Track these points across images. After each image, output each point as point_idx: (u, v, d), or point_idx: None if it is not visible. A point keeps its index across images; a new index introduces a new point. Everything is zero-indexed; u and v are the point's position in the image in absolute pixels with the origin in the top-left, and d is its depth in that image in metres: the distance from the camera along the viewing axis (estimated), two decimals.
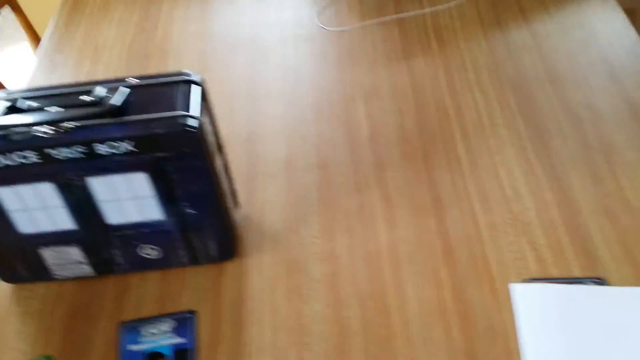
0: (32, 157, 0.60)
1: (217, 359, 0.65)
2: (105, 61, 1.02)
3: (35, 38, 1.32)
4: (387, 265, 0.71)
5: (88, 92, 0.62)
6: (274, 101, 0.92)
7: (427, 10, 1.03)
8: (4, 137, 0.60)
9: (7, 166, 0.61)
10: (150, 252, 0.71)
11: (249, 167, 0.83)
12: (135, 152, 0.61)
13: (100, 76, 0.99)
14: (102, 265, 0.72)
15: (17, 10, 1.29)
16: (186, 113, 0.60)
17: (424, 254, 0.71)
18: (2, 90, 0.64)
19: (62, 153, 0.60)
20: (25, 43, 2.21)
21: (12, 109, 0.62)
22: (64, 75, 1.01)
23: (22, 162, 0.61)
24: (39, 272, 0.72)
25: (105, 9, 1.13)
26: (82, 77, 1.00)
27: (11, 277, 0.73)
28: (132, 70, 0.99)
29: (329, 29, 1.02)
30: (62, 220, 0.67)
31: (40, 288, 0.73)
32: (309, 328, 0.66)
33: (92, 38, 1.07)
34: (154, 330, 0.69)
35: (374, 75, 0.93)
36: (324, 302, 0.68)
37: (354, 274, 0.70)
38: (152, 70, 0.99)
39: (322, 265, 0.72)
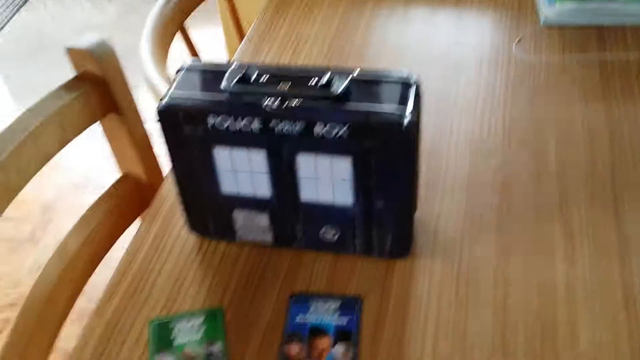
0: (255, 125, 0.66)
1: (378, 347, 0.68)
2: (305, 56, 1.09)
3: (238, 26, 1.43)
4: (562, 300, 0.70)
5: (315, 77, 0.67)
6: (462, 118, 0.93)
7: (633, 55, 1.00)
8: (236, 102, 0.66)
9: (231, 129, 0.67)
10: (329, 234, 0.75)
11: (429, 177, 0.85)
12: (347, 137, 0.65)
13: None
14: (283, 237, 0.77)
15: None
16: (403, 110, 0.64)
17: (602, 296, 0.70)
18: (236, 63, 0.70)
19: (283, 126, 0.65)
20: (215, 29, 2.39)
21: (245, 80, 0.68)
22: (266, 62, 1.08)
23: (244, 129, 0.67)
24: (226, 231, 0.78)
25: (310, 8, 1.20)
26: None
27: (200, 230, 0.80)
28: (331, 64, 1.05)
29: (526, 57, 1.03)
30: (262, 187, 0.72)
31: (222, 246, 0.80)
32: (472, 342, 0.67)
33: (295, 33, 1.14)
34: (321, 307, 0.72)
35: (568, 111, 0.92)
36: (490, 320, 0.69)
37: (525, 301, 0.70)
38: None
39: (493, 285, 0.72)
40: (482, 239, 0.77)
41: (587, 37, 1.06)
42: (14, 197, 0.73)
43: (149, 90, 1.03)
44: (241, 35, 1.41)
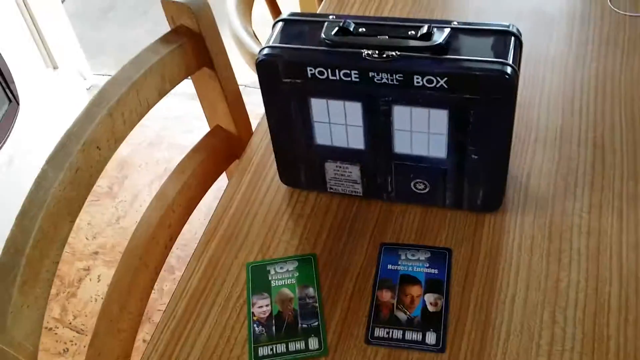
0: (354, 76, 0.67)
1: (468, 297, 0.69)
2: (390, 8, 1.08)
3: None
4: None
5: (414, 28, 0.67)
6: (555, 73, 0.92)
7: None
8: (335, 53, 0.68)
9: (329, 80, 0.68)
10: (420, 186, 0.76)
11: (520, 130, 0.84)
12: (446, 89, 0.65)
13: None
14: (373, 190, 0.79)
15: None
16: (504, 61, 0.63)
17: None
18: (334, 14, 0.71)
19: (381, 78, 0.66)
20: None
21: (343, 31, 0.69)
22: (352, 13, 1.08)
23: (343, 79, 0.68)
24: (317, 183, 0.80)
25: None
26: None
27: (291, 181, 0.82)
28: (415, 16, 1.04)
29: (622, 12, 0.99)
30: (356, 139, 0.74)
31: (312, 196, 0.82)
32: (564, 294, 0.68)
33: None
34: (411, 257, 0.74)
35: None
36: (583, 273, 0.69)
37: (619, 255, 0.70)
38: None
39: (587, 239, 0.72)
40: (574, 194, 0.76)
41: None
42: (120, 143, 0.77)
43: (235, 42, 1.05)
44: None
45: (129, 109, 0.78)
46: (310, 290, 0.72)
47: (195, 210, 0.91)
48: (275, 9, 1.28)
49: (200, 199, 0.93)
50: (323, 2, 1.12)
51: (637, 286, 0.67)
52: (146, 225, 0.82)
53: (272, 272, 0.74)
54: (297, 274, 0.74)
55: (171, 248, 0.86)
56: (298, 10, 2.22)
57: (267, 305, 0.71)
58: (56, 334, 1.63)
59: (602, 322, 0.65)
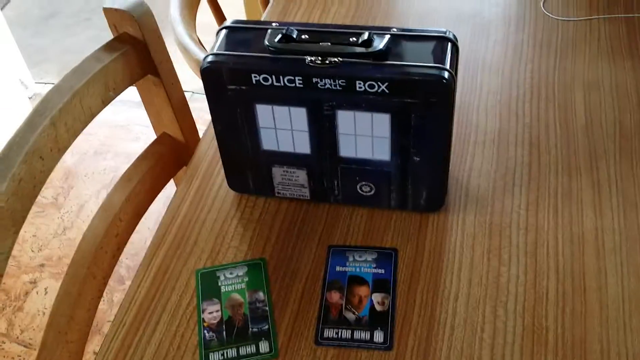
0: (298, 82, 0.68)
1: (414, 295, 0.71)
2: (333, 15, 1.10)
3: None
4: (590, 250, 0.73)
5: (355, 34, 0.69)
6: (491, 76, 0.95)
7: None
8: (278, 60, 0.69)
9: (274, 86, 0.70)
10: (366, 189, 0.78)
11: (461, 132, 0.87)
12: (387, 94, 0.67)
13: None
14: (320, 193, 0.80)
15: None
16: (441, 66, 0.66)
17: (630, 246, 0.73)
18: (277, 21, 0.72)
19: (325, 84, 0.68)
20: None
21: (287, 38, 0.70)
22: (296, 19, 1.10)
23: (287, 85, 0.69)
24: (265, 188, 0.81)
25: None
26: None
27: (239, 187, 0.83)
28: (359, 22, 1.06)
29: (554, 16, 1.04)
30: (302, 144, 0.75)
31: (260, 201, 0.83)
32: (505, 288, 0.70)
33: None
34: (359, 258, 0.76)
35: (595, 68, 0.94)
36: (522, 268, 0.72)
37: (555, 250, 0.73)
38: None
39: (525, 235, 0.75)
40: (512, 193, 0.80)
41: None
42: (63, 153, 0.76)
43: (180, 49, 1.05)
44: None
45: (72, 117, 0.77)
46: (260, 295, 0.73)
47: (144, 218, 0.91)
48: (219, 16, 1.28)
49: (148, 207, 0.92)
50: (267, 9, 1.13)
51: (573, 279, 0.71)
52: (93, 235, 0.82)
53: (222, 277, 0.74)
54: (247, 278, 0.74)
55: (119, 257, 0.86)
56: (243, 17, 2.23)
57: (217, 311, 0.71)
58: (3, 349, 1.58)
59: (540, 314, 0.68)
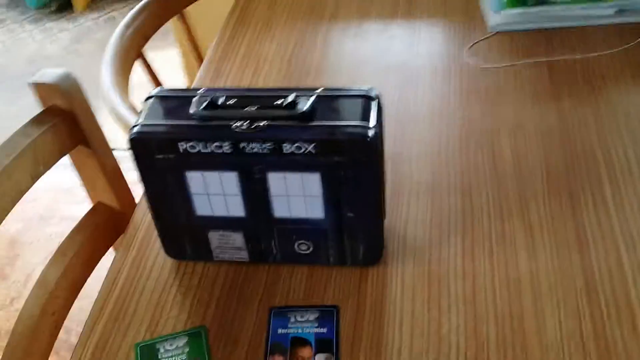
0: (225, 147, 0.69)
1: (357, 353, 0.70)
2: (265, 73, 1.12)
3: (195, 47, 1.45)
4: (527, 292, 0.74)
5: (280, 97, 0.70)
6: (422, 125, 0.97)
7: (578, 56, 1.06)
8: (205, 127, 0.69)
9: (202, 153, 0.70)
10: (303, 247, 0.78)
11: (394, 184, 0.88)
12: (315, 154, 0.68)
13: (260, 87, 1.09)
14: (258, 254, 0.80)
15: (183, 20, 1.42)
16: (366, 124, 0.67)
17: (565, 286, 0.74)
18: (203, 88, 0.73)
19: (252, 147, 0.68)
20: (170, 51, 2.40)
21: (212, 105, 0.70)
22: (227, 83, 1.11)
23: (215, 151, 0.69)
24: (202, 253, 0.80)
25: (268, 27, 1.23)
26: (244, 86, 1.09)
27: (177, 254, 0.82)
28: (290, 84, 1.08)
29: (478, 64, 1.08)
30: (235, 207, 0.75)
31: (199, 267, 0.82)
32: (446, 338, 0.71)
33: (254, 52, 1.17)
34: (300, 319, 0.75)
35: (520, 113, 0.97)
36: (462, 316, 0.72)
37: (493, 295, 0.74)
38: (309, 85, 1.07)
39: (462, 282, 0.76)
40: (448, 240, 0.81)
41: (535, 41, 1.12)
42: None
43: (113, 117, 1.05)
44: (199, 56, 1.43)
45: (0, 195, 0.76)
46: None
47: (93, 280, 0.89)
48: (154, 78, 1.28)
49: (87, 278, 0.90)
50: (200, 72, 1.14)
51: (512, 323, 0.71)
52: (28, 315, 0.79)
53: (162, 350, 0.73)
54: (188, 349, 0.73)
55: (57, 335, 0.83)
56: (181, 73, 2.24)
57: None
58: None
59: None
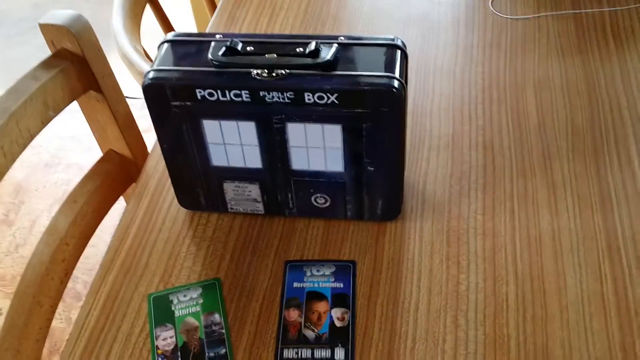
0: (245, 96, 0.66)
1: (374, 308, 0.69)
2: (282, 21, 1.08)
3: None
4: (548, 251, 0.72)
5: (301, 45, 0.67)
6: (443, 79, 0.94)
7: (606, 9, 1.02)
8: (224, 74, 0.66)
9: (220, 101, 0.67)
10: (321, 201, 0.76)
11: (414, 138, 0.86)
12: (337, 104, 0.65)
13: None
14: (274, 207, 0.78)
15: None
16: (391, 74, 0.64)
17: (587, 246, 0.72)
18: (221, 33, 0.70)
19: (272, 97, 0.66)
20: None
21: (231, 50, 0.67)
22: (242, 30, 1.07)
23: (234, 100, 0.67)
24: (217, 204, 0.79)
25: None
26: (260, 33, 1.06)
27: (190, 205, 0.80)
28: (307, 32, 1.05)
29: (503, 15, 1.04)
30: (253, 158, 0.73)
31: (213, 218, 0.80)
32: (465, 296, 0.69)
33: None
34: (316, 273, 0.74)
35: (546, 67, 0.94)
36: (481, 274, 0.71)
37: (513, 254, 0.73)
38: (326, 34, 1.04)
39: (482, 240, 0.74)
40: (468, 197, 0.79)
41: None
42: (1, 178, 0.72)
43: (124, 62, 1.02)
44: (211, 1, 1.39)
45: (9, 141, 0.73)
46: (216, 317, 0.70)
47: (99, 231, 0.87)
48: (165, 24, 1.24)
49: (97, 226, 0.89)
50: (213, 18, 1.10)
51: (532, 283, 0.70)
52: (38, 261, 0.78)
53: (175, 301, 0.72)
54: (202, 300, 0.72)
55: (67, 283, 0.82)
56: (192, 22, 2.18)
57: (171, 337, 0.68)
58: None
59: (501, 322, 0.67)
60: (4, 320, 0.73)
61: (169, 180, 0.83)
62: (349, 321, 0.69)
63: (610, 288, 0.69)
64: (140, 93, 0.71)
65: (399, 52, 0.67)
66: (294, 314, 0.70)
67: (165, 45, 0.71)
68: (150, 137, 0.95)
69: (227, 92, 0.66)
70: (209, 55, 0.67)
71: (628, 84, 0.90)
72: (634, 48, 0.96)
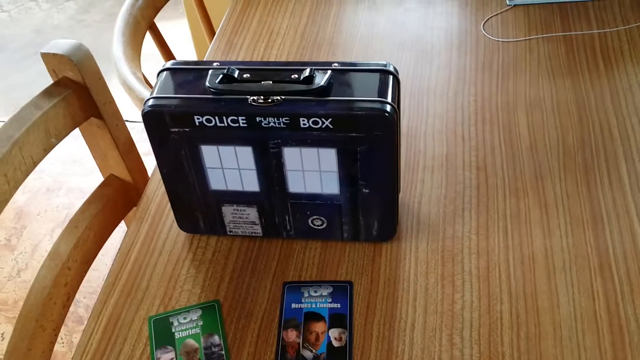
0: (242, 121, 0.68)
1: (371, 328, 0.71)
2: (278, 46, 1.10)
3: (206, 19, 1.43)
4: (541, 270, 0.74)
5: (296, 71, 0.69)
6: (437, 101, 0.96)
7: (595, 31, 1.04)
8: (220, 101, 0.68)
9: (217, 127, 0.69)
10: (317, 222, 0.78)
11: (408, 159, 0.88)
12: (332, 129, 0.67)
13: (273, 60, 1.07)
14: (272, 229, 0.79)
15: None
16: (383, 99, 0.66)
17: (579, 264, 0.74)
18: (218, 61, 0.72)
19: (269, 122, 0.67)
20: (180, 22, 2.38)
21: (228, 78, 0.69)
22: (239, 56, 1.09)
23: (231, 125, 0.69)
24: (216, 227, 0.80)
25: (280, 0, 1.22)
26: (257, 59, 1.08)
27: (190, 228, 0.82)
28: (303, 57, 1.07)
29: (494, 38, 1.06)
30: (250, 182, 0.74)
31: (212, 241, 0.82)
32: (460, 315, 0.71)
33: (266, 25, 1.16)
34: (314, 293, 0.75)
35: (537, 88, 0.96)
36: (476, 293, 0.72)
37: (507, 272, 0.74)
38: (322, 59, 1.06)
39: (476, 259, 0.75)
40: (462, 217, 0.80)
41: (551, 15, 1.10)
42: (5, 205, 0.74)
43: (124, 88, 1.04)
44: (209, 27, 1.42)
45: (12, 168, 0.75)
46: (216, 339, 0.71)
47: (100, 254, 0.89)
48: (165, 49, 1.27)
49: (99, 250, 0.90)
50: (212, 44, 1.12)
51: (526, 301, 0.71)
52: (40, 286, 0.79)
53: (175, 323, 0.73)
54: (202, 322, 0.73)
55: (69, 307, 0.83)
56: (191, 48, 2.21)
57: (172, 359, 0.69)
58: None
59: (496, 340, 0.68)
60: (7, 345, 0.74)
61: (169, 204, 0.85)
62: (346, 341, 0.70)
63: (603, 305, 0.70)
64: (140, 117, 0.73)
65: (391, 77, 0.69)
66: (292, 335, 0.71)
67: (164, 73, 0.73)
68: (150, 161, 0.97)
69: (224, 118, 0.68)
70: (207, 83, 0.69)
71: (617, 104, 0.92)
72: (623, 69, 0.98)
